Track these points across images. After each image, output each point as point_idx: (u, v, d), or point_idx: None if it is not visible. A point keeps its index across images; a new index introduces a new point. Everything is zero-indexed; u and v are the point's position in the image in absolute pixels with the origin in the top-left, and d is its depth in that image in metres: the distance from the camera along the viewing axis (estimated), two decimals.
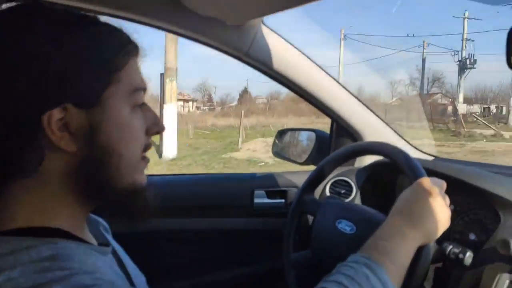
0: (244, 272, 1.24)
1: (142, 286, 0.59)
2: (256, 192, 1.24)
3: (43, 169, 0.44)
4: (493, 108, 27.70)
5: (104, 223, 0.64)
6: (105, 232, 0.62)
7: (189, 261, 1.20)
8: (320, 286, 0.52)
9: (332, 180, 1.19)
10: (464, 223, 0.87)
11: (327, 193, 1.17)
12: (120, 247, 0.62)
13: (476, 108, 28.77)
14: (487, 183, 0.86)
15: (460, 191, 0.86)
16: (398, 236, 0.60)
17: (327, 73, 1.18)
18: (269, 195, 1.25)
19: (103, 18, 0.50)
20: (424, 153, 1.31)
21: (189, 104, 36.03)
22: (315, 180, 0.93)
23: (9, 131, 0.42)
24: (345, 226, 0.80)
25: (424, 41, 26.77)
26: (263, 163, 8.96)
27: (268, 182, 1.28)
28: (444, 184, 0.69)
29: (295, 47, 1.12)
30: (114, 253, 0.57)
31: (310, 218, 1.10)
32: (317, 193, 1.14)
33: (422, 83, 29.00)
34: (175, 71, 9.27)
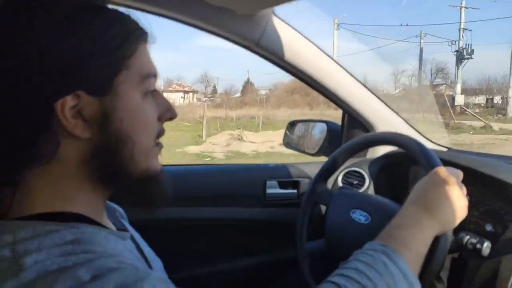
0: (257, 261, 1.25)
1: (159, 270, 0.60)
2: (269, 182, 1.23)
3: (59, 156, 0.44)
4: (498, 99, 27.11)
5: (121, 210, 0.65)
6: (122, 219, 0.62)
7: (202, 250, 1.21)
8: (338, 273, 0.52)
9: (345, 171, 1.18)
10: (480, 214, 0.86)
11: (340, 183, 1.17)
12: (136, 233, 0.62)
13: (481, 99, 28.26)
14: (504, 174, 0.84)
15: (476, 182, 0.85)
16: (415, 225, 0.60)
17: (338, 64, 1.17)
18: (282, 185, 1.25)
19: (111, 7, 0.50)
20: (438, 144, 1.29)
21: (189, 96, 35.94)
22: (328, 170, 0.92)
23: (23, 119, 0.42)
24: (360, 216, 0.80)
25: (421, 31, 26.21)
26: (210, 158, 8.99)
27: (281, 173, 1.27)
28: (460, 174, 0.68)
29: (306, 38, 1.11)
30: (132, 238, 0.57)
31: (323, 208, 1.09)
32: (329, 184, 1.14)
33: (420, 74, 28.33)
34: None
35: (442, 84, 30.43)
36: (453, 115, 16.71)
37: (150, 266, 0.55)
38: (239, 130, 12.52)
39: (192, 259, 1.19)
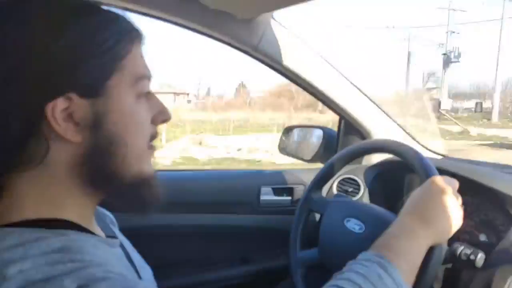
0: (250, 269, 1.23)
1: (148, 278, 0.59)
2: (263, 189, 1.23)
3: (49, 160, 0.43)
4: (489, 103, 27.12)
5: (111, 216, 0.64)
6: (112, 225, 0.61)
7: (193, 258, 1.20)
8: (332, 284, 0.51)
9: (340, 178, 1.17)
10: (475, 224, 0.86)
11: (335, 191, 1.16)
12: (126, 240, 0.61)
13: (472, 104, 28.16)
14: (500, 183, 0.84)
15: (471, 191, 0.85)
16: (410, 235, 0.59)
17: (336, 70, 1.17)
18: (276, 192, 1.25)
19: (105, 8, 0.49)
20: (433, 152, 1.29)
21: (180, 97, 35.75)
22: (323, 177, 0.92)
23: (13, 122, 0.41)
24: (354, 225, 0.79)
25: (409, 34, 26.19)
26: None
27: (275, 179, 1.27)
28: (456, 184, 0.68)
29: (305, 43, 1.10)
30: (121, 245, 0.56)
31: (317, 216, 1.09)
32: (324, 191, 1.13)
33: (407, 77, 28.07)
34: None
35: (435, 88, 30.23)
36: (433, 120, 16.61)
37: (139, 275, 0.54)
38: (201, 133, 12.38)
39: (183, 267, 1.17)
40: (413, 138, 1.29)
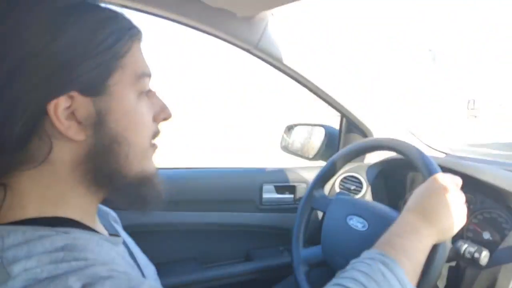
0: (252, 267, 1.23)
1: (152, 276, 0.59)
2: (265, 186, 1.23)
3: (52, 158, 0.43)
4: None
5: (114, 214, 0.64)
6: (115, 223, 0.61)
7: (197, 255, 1.20)
8: (335, 282, 0.51)
9: (342, 176, 1.17)
10: (478, 222, 0.85)
11: (337, 189, 1.16)
12: (129, 238, 0.61)
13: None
14: (503, 181, 0.83)
15: (475, 189, 0.84)
16: (413, 233, 0.59)
17: (337, 67, 1.16)
18: (278, 190, 1.24)
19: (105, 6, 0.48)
20: (435, 150, 1.28)
21: None
22: (325, 175, 0.91)
23: (16, 121, 0.41)
24: (357, 223, 0.79)
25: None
26: None
27: (277, 177, 1.26)
28: (459, 181, 0.67)
29: (305, 41, 1.10)
30: (124, 243, 0.56)
31: (320, 214, 1.08)
32: (326, 189, 1.13)
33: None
34: None
35: None
36: None
37: (142, 273, 0.54)
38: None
39: (186, 265, 1.17)
40: (415, 136, 1.28)
